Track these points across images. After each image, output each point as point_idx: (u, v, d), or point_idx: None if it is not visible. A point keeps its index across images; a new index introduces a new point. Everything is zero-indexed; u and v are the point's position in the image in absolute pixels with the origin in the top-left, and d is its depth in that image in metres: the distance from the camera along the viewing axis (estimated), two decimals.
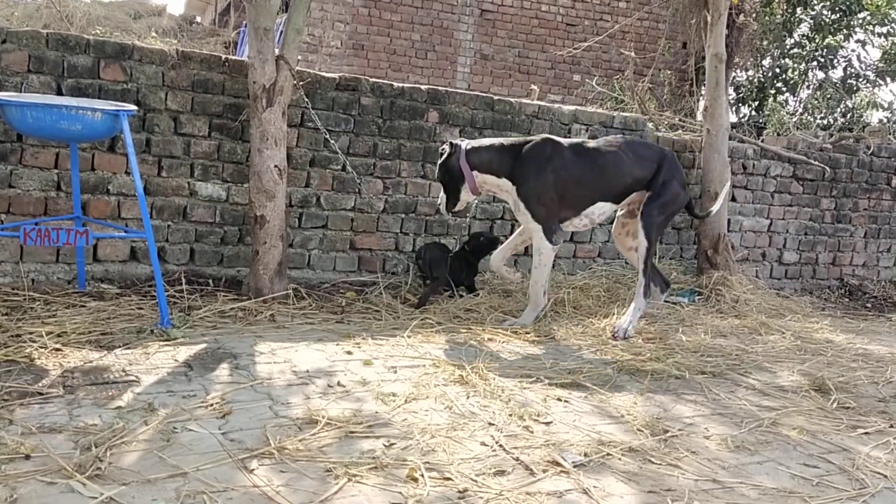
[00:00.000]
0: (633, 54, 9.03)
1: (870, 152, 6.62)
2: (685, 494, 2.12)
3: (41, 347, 2.93)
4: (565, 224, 4.16)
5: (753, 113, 11.33)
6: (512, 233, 4.65)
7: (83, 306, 3.61)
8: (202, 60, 4.34)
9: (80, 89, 4.01)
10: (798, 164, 6.27)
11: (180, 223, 4.33)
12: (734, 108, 11.35)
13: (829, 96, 11.33)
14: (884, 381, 3.57)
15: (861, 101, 11.58)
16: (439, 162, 4.13)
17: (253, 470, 2.05)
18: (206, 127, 4.35)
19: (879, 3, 11.04)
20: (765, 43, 10.90)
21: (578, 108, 5.74)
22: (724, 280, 5.32)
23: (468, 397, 2.80)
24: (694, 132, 6.18)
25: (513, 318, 4.15)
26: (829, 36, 11.12)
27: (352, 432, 2.36)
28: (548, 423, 2.60)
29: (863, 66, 11.51)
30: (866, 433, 2.81)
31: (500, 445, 2.35)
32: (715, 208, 4.72)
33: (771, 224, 6.25)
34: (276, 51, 4.13)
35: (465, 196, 4.14)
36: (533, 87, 8.15)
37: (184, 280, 4.10)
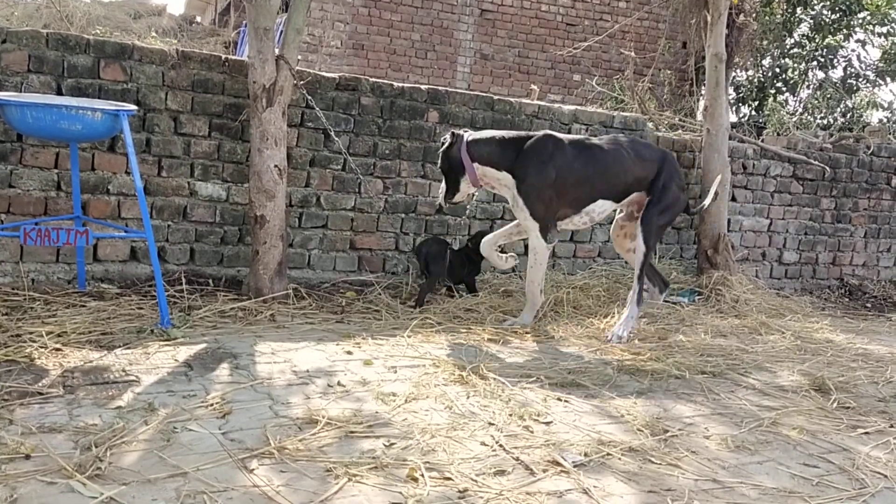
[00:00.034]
0: (633, 54, 9.03)
1: (870, 152, 6.62)
2: (685, 494, 2.12)
3: (41, 347, 2.93)
4: (565, 221, 4.13)
5: (753, 113, 11.33)
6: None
7: (83, 306, 3.61)
8: (202, 60, 4.34)
9: (80, 89, 4.01)
10: (798, 163, 6.27)
11: (180, 223, 4.34)
12: (734, 108, 11.35)
13: (829, 96, 11.34)
14: (884, 381, 3.57)
15: (861, 100, 11.58)
16: (441, 151, 4.10)
17: (253, 470, 2.05)
18: (206, 127, 4.35)
19: (879, 3, 11.04)
20: (765, 43, 10.90)
21: (578, 107, 5.74)
22: (724, 280, 5.32)
23: (468, 397, 2.80)
24: (694, 132, 6.18)
25: (513, 318, 4.14)
26: (829, 36, 11.12)
27: (352, 432, 2.36)
28: (548, 423, 2.60)
29: (863, 65, 11.52)
30: (866, 433, 2.81)
31: (501, 445, 2.35)
32: (707, 202, 4.61)
33: (771, 224, 6.25)
34: (276, 51, 4.13)
35: (465, 188, 4.10)
36: (533, 86, 8.16)
37: (184, 280, 4.10)
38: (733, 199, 5.97)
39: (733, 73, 10.42)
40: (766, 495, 2.19)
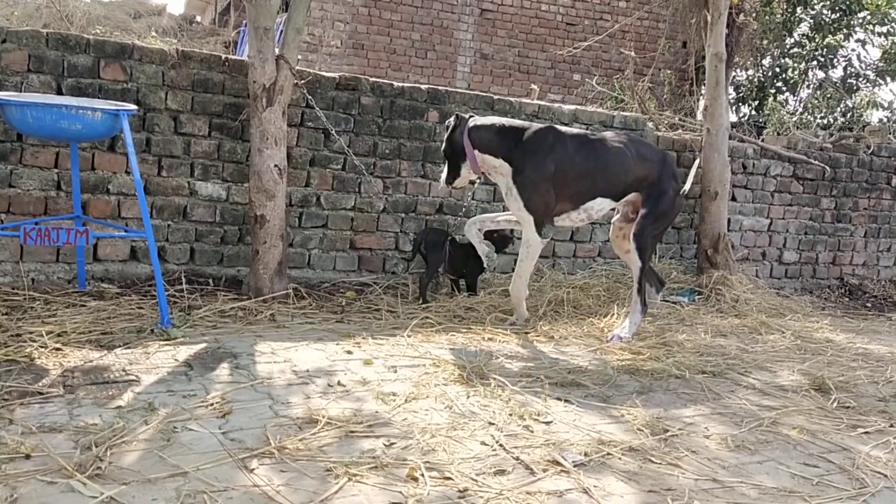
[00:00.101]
0: (633, 54, 9.03)
1: (870, 152, 6.62)
2: (685, 494, 2.12)
3: (41, 347, 2.93)
4: (562, 217, 4.03)
5: (753, 112, 11.32)
6: (512, 236, 4.61)
7: (83, 306, 3.61)
8: (202, 60, 4.34)
9: (80, 89, 4.01)
10: (798, 163, 6.27)
11: (180, 223, 4.34)
12: (734, 108, 11.35)
13: (829, 96, 11.33)
14: (884, 381, 3.57)
15: (861, 100, 11.57)
16: (446, 135, 4.04)
17: (253, 469, 2.05)
18: (206, 126, 4.35)
19: (879, 3, 11.03)
20: (765, 42, 10.89)
21: (578, 107, 5.74)
22: (724, 279, 5.32)
23: (468, 397, 2.80)
24: (694, 132, 6.18)
25: (512, 318, 4.14)
26: (829, 35, 11.11)
27: (352, 432, 2.36)
28: (548, 423, 2.60)
29: (863, 65, 11.51)
30: (866, 432, 2.81)
31: (501, 445, 2.35)
32: (686, 187, 4.50)
33: (771, 223, 6.25)
34: (276, 50, 4.13)
35: (466, 173, 4.03)
36: (533, 86, 8.15)
37: (184, 279, 4.10)
38: (733, 198, 5.97)
39: (733, 73, 10.42)
40: (767, 495, 2.19)
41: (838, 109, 11.31)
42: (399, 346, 3.46)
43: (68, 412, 2.35)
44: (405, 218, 4.92)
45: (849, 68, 11.47)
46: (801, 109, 11.34)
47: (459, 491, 2.02)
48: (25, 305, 3.52)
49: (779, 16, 11.00)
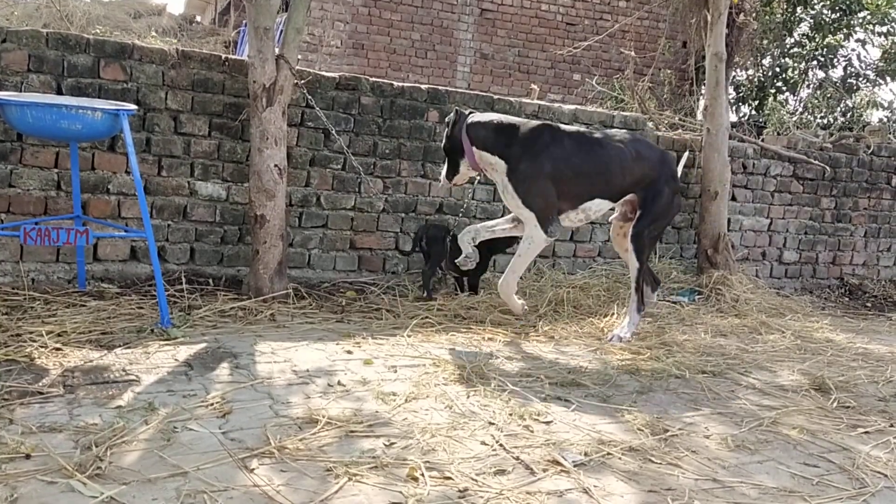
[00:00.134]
0: (633, 53, 9.02)
1: (870, 152, 6.62)
2: (685, 494, 2.12)
3: (41, 347, 2.93)
4: (560, 217, 3.95)
5: (753, 112, 11.32)
6: (512, 237, 4.37)
7: (83, 306, 3.61)
8: (202, 60, 4.34)
9: (80, 89, 4.01)
10: (798, 163, 6.27)
11: (180, 222, 4.34)
12: (734, 108, 11.35)
13: (829, 96, 11.33)
14: (884, 381, 3.57)
15: (861, 100, 11.57)
16: (446, 131, 3.99)
17: (253, 469, 2.05)
18: (206, 126, 4.35)
19: (879, 3, 11.03)
20: (765, 42, 10.89)
21: (578, 107, 5.74)
22: (724, 279, 5.32)
23: (468, 396, 2.80)
24: (694, 131, 6.18)
25: (507, 314, 4.11)
26: (829, 35, 11.11)
27: (352, 432, 2.36)
28: (548, 423, 2.60)
29: (863, 65, 11.51)
30: (866, 432, 2.81)
31: (501, 445, 2.35)
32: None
33: (771, 223, 6.25)
34: (277, 50, 4.13)
35: (465, 170, 3.98)
36: (533, 86, 8.16)
37: (184, 279, 4.10)
38: (733, 198, 5.97)
39: (733, 73, 10.41)
40: (767, 495, 2.19)
41: (838, 109, 11.31)
42: (399, 346, 3.46)
43: (68, 412, 2.35)
44: (405, 218, 4.92)
45: (849, 68, 11.48)
46: (801, 109, 11.34)
47: (459, 491, 2.02)
48: (25, 305, 3.52)
49: (779, 16, 10.99)
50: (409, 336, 3.63)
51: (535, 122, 3.97)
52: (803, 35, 11.47)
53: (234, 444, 2.20)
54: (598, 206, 3.97)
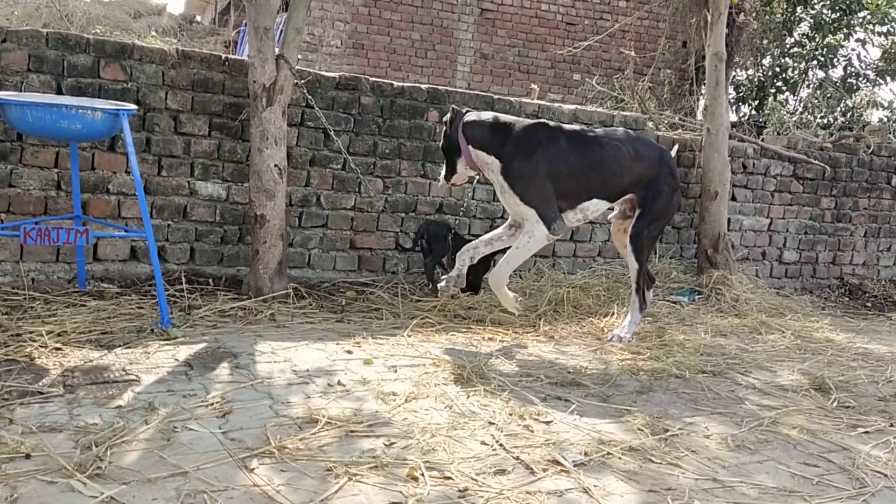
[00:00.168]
0: (633, 53, 9.02)
1: (870, 151, 6.62)
2: (685, 493, 2.12)
3: (41, 347, 2.93)
4: None
5: (753, 112, 11.32)
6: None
7: (83, 305, 3.61)
8: (202, 60, 4.34)
9: (80, 88, 4.01)
10: (798, 163, 6.27)
11: (180, 222, 4.33)
12: (734, 108, 11.35)
13: (829, 95, 11.33)
14: (884, 381, 3.57)
15: (861, 100, 11.57)
16: (444, 130, 3.94)
17: (253, 469, 2.05)
18: (206, 126, 4.35)
19: (879, 3, 11.03)
20: (765, 42, 10.89)
21: (578, 107, 5.74)
22: (725, 279, 5.32)
23: (468, 396, 2.80)
24: (694, 131, 6.18)
25: (507, 314, 4.08)
26: (829, 35, 11.11)
27: (352, 431, 2.36)
28: (548, 422, 2.60)
29: (863, 65, 11.51)
30: (866, 432, 2.81)
31: (501, 444, 2.35)
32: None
33: (771, 223, 6.25)
34: (277, 50, 4.13)
35: (462, 169, 3.92)
36: (533, 86, 8.15)
37: (184, 279, 4.10)
38: (733, 198, 5.97)
39: (733, 73, 10.41)
40: (767, 494, 2.19)
41: (838, 109, 11.31)
42: (399, 346, 3.46)
43: (68, 412, 2.35)
44: (405, 218, 4.92)
45: (849, 68, 11.48)
46: (801, 109, 11.34)
47: (459, 490, 2.02)
48: (25, 305, 3.52)
49: (779, 15, 11.00)
50: (409, 336, 3.63)
51: (530, 121, 3.93)
52: (803, 35, 11.47)
53: (234, 444, 2.20)
54: (595, 207, 3.92)
